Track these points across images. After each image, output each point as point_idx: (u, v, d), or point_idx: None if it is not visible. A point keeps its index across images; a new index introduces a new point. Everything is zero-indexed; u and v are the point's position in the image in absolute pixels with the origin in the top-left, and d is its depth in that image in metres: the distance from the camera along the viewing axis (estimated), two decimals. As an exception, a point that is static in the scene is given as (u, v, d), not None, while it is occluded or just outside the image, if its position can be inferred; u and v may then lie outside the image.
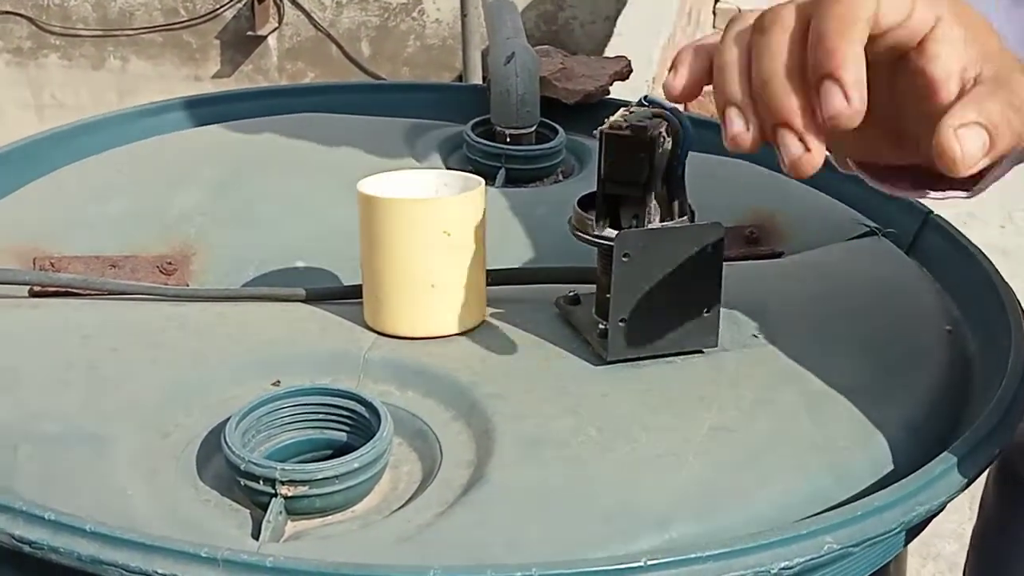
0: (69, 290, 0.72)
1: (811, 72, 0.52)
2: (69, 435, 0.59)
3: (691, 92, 0.57)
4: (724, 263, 0.66)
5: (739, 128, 0.54)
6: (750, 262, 0.79)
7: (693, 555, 0.51)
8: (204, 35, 4.19)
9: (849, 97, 0.51)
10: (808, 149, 0.53)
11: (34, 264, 0.75)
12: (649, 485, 0.58)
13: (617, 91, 1.01)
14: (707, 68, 0.56)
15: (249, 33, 4.11)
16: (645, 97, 0.65)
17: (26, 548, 0.51)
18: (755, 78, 0.53)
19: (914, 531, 0.59)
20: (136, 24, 4.21)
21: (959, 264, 0.78)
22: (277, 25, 4.12)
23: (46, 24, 4.23)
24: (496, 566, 0.50)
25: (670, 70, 0.57)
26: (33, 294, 0.72)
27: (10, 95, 4.29)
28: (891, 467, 0.62)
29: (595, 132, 0.64)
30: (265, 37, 4.12)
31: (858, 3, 0.52)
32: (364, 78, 4.00)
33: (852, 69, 0.51)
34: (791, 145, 0.53)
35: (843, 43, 0.51)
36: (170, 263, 0.76)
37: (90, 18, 4.21)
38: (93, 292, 0.72)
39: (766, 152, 0.95)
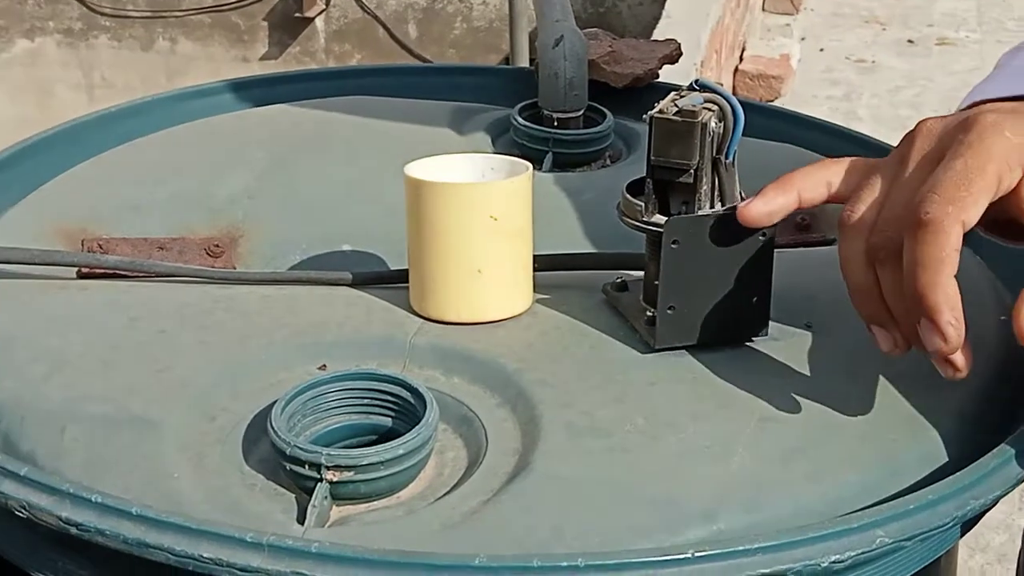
0: (117, 272, 0.72)
1: (910, 307, 0.57)
2: (116, 417, 0.60)
3: (767, 223, 0.62)
4: (775, 250, 0.65)
5: (890, 346, 0.60)
6: (801, 249, 0.77)
7: (741, 547, 0.50)
8: (252, 16, 4.21)
9: (946, 337, 0.55)
10: (957, 369, 0.58)
11: (82, 246, 0.75)
12: (696, 476, 0.57)
13: (666, 75, 1.00)
14: (789, 206, 0.62)
15: (297, 15, 4.12)
16: (696, 81, 0.64)
17: (73, 530, 0.51)
18: (892, 309, 0.59)
19: (968, 525, 0.58)
20: (185, 5, 4.23)
21: (1013, 252, 0.76)
22: (324, 7, 4.12)
23: (97, 5, 4.26)
24: (542, 555, 0.50)
25: (756, 197, 0.62)
26: (81, 276, 0.73)
27: (61, 75, 4.33)
28: (944, 459, 0.61)
29: (645, 117, 0.63)
30: (313, 19, 4.13)
31: (945, 238, 0.55)
32: (411, 60, 4.00)
33: (945, 311, 0.55)
34: (941, 367, 0.58)
35: (932, 290, 0.55)
36: (217, 246, 0.76)
37: (140, -1, 4.24)
38: (141, 274, 0.72)
39: (816, 138, 0.95)
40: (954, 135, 0.58)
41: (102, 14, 4.27)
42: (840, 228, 0.60)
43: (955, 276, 0.56)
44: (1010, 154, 0.56)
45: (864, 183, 0.60)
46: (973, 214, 0.56)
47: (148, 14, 4.25)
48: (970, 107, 0.66)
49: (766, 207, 0.62)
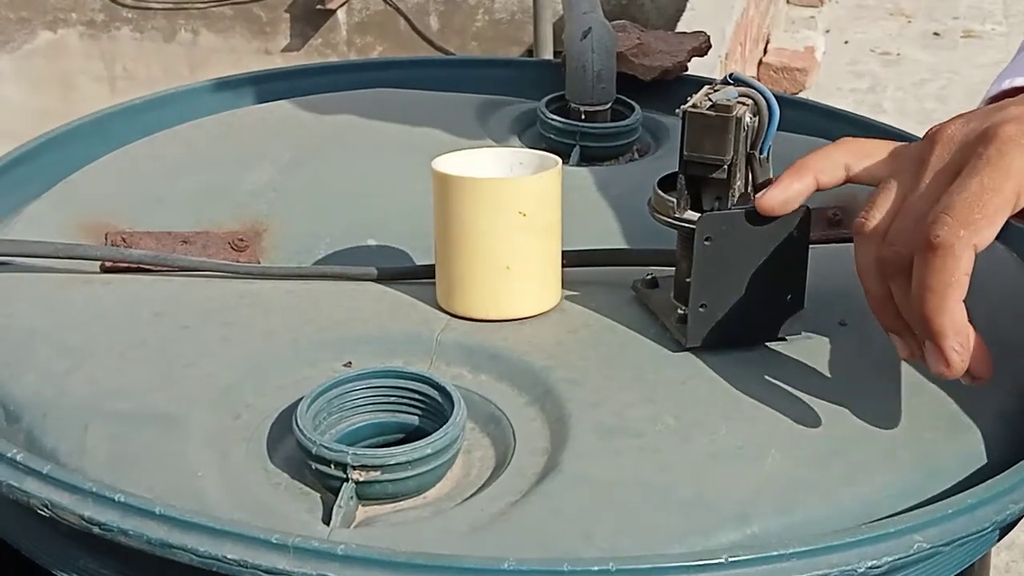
0: (140, 266, 0.72)
1: (915, 328, 0.57)
2: (140, 414, 0.59)
3: (785, 211, 0.61)
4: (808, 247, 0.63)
5: (907, 354, 0.59)
6: (834, 245, 0.76)
7: (776, 552, 0.49)
8: (274, 8, 4.20)
9: (950, 363, 0.55)
10: (976, 377, 0.57)
11: (106, 239, 0.74)
12: (729, 477, 0.56)
13: (692, 67, 0.98)
14: (807, 191, 0.61)
15: (318, 7, 4.11)
16: (730, 75, 0.63)
17: (96, 530, 0.50)
18: (907, 320, 0.58)
19: (1006, 528, 0.57)
20: (207, -3, 4.23)
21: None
22: (346, -1, 4.11)
23: (119, -3, 4.26)
24: (573, 560, 0.49)
25: (772, 185, 0.61)
26: (105, 270, 0.72)
27: (83, 67, 4.33)
28: (983, 461, 0.59)
29: (678, 111, 0.62)
30: (334, 11, 4.12)
31: (955, 263, 0.54)
32: (432, 52, 3.99)
33: (950, 336, 0.55)
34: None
35: (938, 315, 0.55)
36: (242, 240, 0.75)
37: (162, -9, 4.24)
38: (164, 268, 0.71)
39: (844, 130, 0.93)
40: (973, 147, 0.56)
41: (124, 6, 4.27)
42: (855, 235, 0.59)
43: (971, 285, 0.55)
44: None
45: (881, 188, 0.59)
46: (987, 236, 0.54)
47: (170, 6, 4.25)
48: (996, 96, 0.64)
49: (783, 194, 0.61)
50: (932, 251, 0.54)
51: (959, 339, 0.55)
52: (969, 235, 0.54)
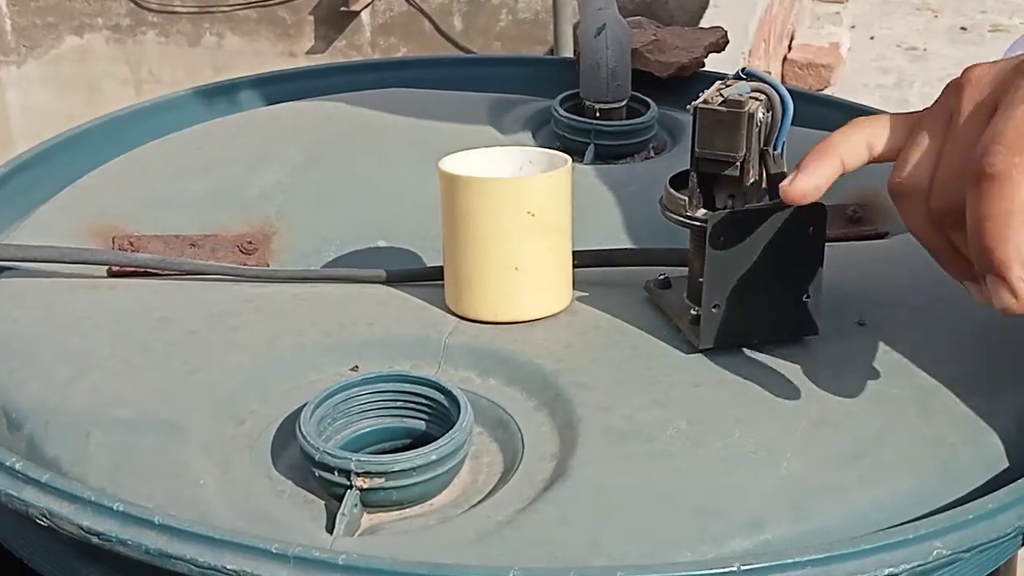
0: (147, 270, 0.71)
1: (975, 264, 0.53)
2: (142, 422, 0.58)
3: (815, 197, 0.57)
4: (825, 245, 0.62)
5: (981, 298, 0.55)
6: (852, 243, 0.74)
7: (790, 560, 0.48)
8: (298, 11, 4.21)
9: (1017, 294, 0.51)
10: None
11: (113, 243, 0.74)
12: (743, 483, 0.54)
13: (712, 64, 0.97)
14: (834, 175, 0.57)
15: (343, 9, 4.11)
16: (743, 70, 0.61)
17: (94, 540, 0.50)
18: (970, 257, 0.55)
19: (1030, 534, 0.55)
20: (231, 1, 4.24)
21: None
22: (370, 1, 4.11)
23: (144, 2, 4.28)
24: (579, 568, 0.47)
25: (796, 172, 0.57)
26: (111, 274, 0.71)
27: (109, 71, 4.36)
28: (1005, 464, 0.58)
29: (689, 107, 0.60)
30: (358, 13, 4.12)
31: (1012, 189, 0.51)
32: (456, 53, 3.98)
33: (1015, 267, 0.51)
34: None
35: (1002, 245, 0.51)
36: (250, 242, 0.74)
37: (187, -5, 4.25)
38: (171, 272, 0.71)
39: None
40: (1011, 80, 0.53)
41: (149, 10, 4.29)
42: (893, 196, 0.56)
43: None
44: None
45: (909, 145, 0.56)
46: None
47: (195, 10, 4.26)
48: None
49: (813, 180, 0.57)
50: (988, 181, 0.51)
51: (1022, 267, 0.51)
52: None
